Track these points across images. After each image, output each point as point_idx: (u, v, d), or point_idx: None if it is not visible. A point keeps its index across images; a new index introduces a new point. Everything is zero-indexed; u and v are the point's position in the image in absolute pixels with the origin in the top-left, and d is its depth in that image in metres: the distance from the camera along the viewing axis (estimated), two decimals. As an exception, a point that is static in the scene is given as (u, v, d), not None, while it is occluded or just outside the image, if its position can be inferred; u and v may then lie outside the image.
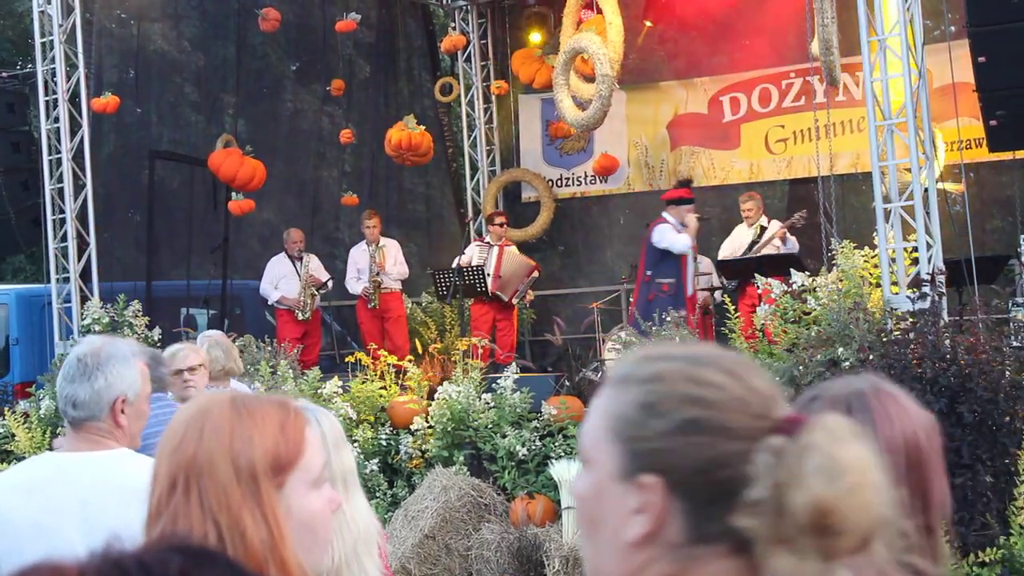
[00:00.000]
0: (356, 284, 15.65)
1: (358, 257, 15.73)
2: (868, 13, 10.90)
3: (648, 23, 17.29)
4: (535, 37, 18.35)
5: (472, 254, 15.64)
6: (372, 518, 3.67)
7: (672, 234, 13.26)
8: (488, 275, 15.24)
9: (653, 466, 1.69)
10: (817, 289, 10.51)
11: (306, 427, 2.38)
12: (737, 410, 1.71)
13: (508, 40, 18.85)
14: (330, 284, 15.73)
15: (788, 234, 14.17)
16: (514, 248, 16.19)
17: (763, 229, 14.41)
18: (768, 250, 13.98)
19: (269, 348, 13.41)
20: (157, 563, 1.54)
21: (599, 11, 14.30)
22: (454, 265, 15.41)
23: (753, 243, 14.27)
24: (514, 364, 12.38)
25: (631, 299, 14.28)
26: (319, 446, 2.41)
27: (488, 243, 15.76)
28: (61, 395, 4.01)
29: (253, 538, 2.20)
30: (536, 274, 16.07)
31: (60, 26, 14.22)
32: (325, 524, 2.38)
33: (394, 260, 15.67)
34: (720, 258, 14.68)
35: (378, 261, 15.43)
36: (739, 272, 13.88)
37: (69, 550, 1.68)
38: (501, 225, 15.98)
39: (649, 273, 13.38)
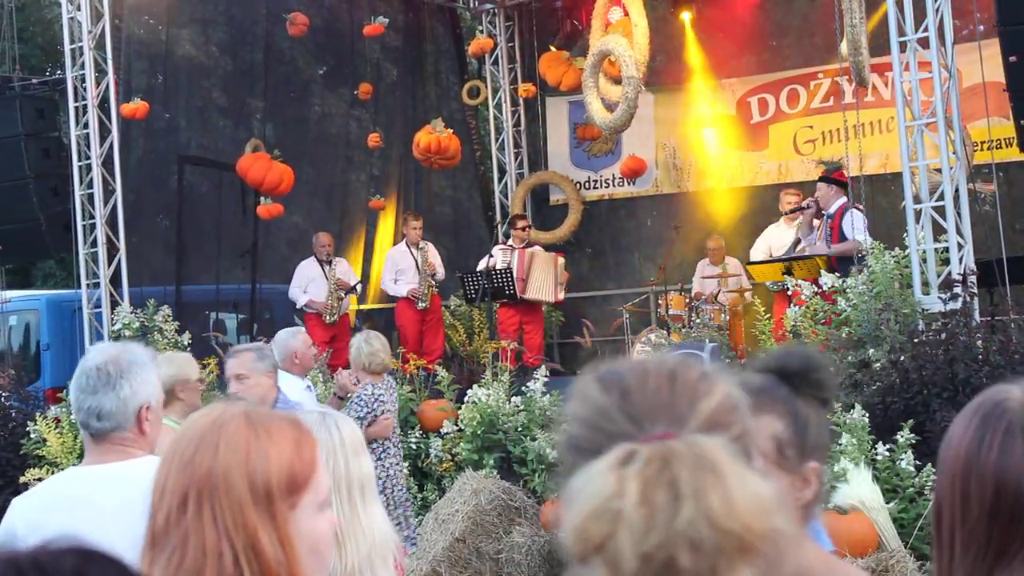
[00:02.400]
0: (395, 286, 15.64)
1: (398, 259, 15.73)
2: (897, 13, 10.86)
3: (687, 15, 17.20)
4: (555, 42, 18.35)
5: (497, 258, 15.63)
6: (389, 528, 3.62)
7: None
8: (514, 281, 15.24)
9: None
10: (848, 290, 10.47)
11: (316, 447, 2.34)
12: (591, 426, 1.67)
13: (535, 43, 18.85)
14: (358, 288, 15.74)
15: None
16: (538, 249, 16.14)
17: (834, 223, 14.06)
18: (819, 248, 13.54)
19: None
20: (52, 562, 1.53)
21: (626, 13, 14.29)
22: (479, 268, 15.42)
23: (797, 242, 13.84)
24: (543, 367, 12.36)
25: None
26: (325, 465, 2.37)
27: (511, 246, 15.74)
28: (81, 407, 3.90)
29: (269, 559, 2.16)
30: (562, 260, 16.08)
31: (89, 32, 14.26)
32: (329, 548, 2.34)
33: (437, 262, 15.73)
34: (753, 259, 14.51)
35: (430, 262, 15.46)
36: (768, 273, 13.77)
37: None
38: (524, 229, 15.96)
39: None
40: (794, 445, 2.40)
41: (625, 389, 1.68)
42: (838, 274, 11.18)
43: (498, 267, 15.31)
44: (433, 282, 15.48)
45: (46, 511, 3.80)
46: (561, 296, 15.96)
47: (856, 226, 12.35)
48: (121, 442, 3.90)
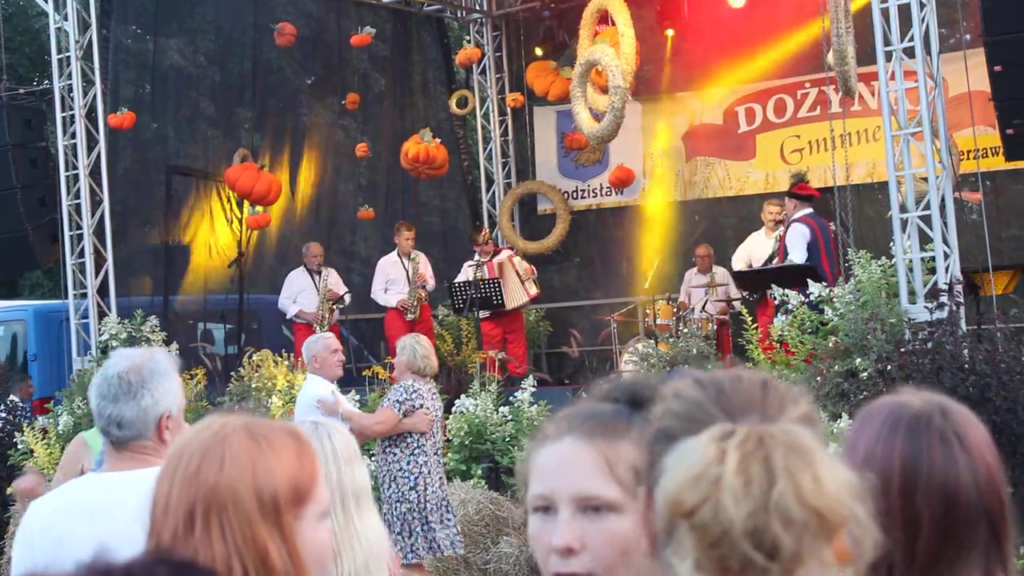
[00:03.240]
0: (385, 296, 15.61)
1: (389, 269, 15.70)
2: (883, 23, 10.89)
3: (671, 32, 17.29)
4: (544, 50, 18.38)
5: (466, 276, 15.60)
6: (383, 536, 3.63)
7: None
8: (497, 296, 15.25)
9: None
10: (834, 299, 10.49)
11: (316, 457, 2.34)
12: (685, 418, 1.76)
13: (523, 52, 18.87)
14: (347, 298, 15.72)
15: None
16: (502, 255, 16.09)
17: (780, 239, 14.25)
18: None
19: (287, 362, 13.41)
20: (144, 574, 1.54)
21: (613, 23, 14.31)
22: (457, 280, 15.45)
23: (773, 255, 14.05)
24: (531, 377, 12.37)
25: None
26: (323, 475, 2.36)
27: (478, 262, 15.64)
28: (102, 414, 3.88)
29: (279, 572, 2.16)
30: (517, 257, 16.07)
31: (76, 42, 14.26)
32: (329, 557, 2.35)
33: (427, 272, 15.69)
34: (735, 267, 14.59)
35: (420, 272, 15.43)
36: (755, 284, 13.82)
37: None
38: (485, 242, 15.90)
39: None
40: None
41: (720, 388, 1.75)
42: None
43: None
44: (423, 293, 15.44)
45: (63, 517, 3.80)
46: (534, 291, 15.90)
47: (793, 243, 12.82)
48: (141, 450, 3.89)
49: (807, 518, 1.56)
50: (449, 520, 9.37)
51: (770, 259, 13.91)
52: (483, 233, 16.31)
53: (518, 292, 15.58)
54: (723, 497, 1.56)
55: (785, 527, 1.55)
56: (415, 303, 15.36)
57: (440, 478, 9.44)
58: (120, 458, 3.92)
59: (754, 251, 14.53)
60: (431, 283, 15.75)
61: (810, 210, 13.21)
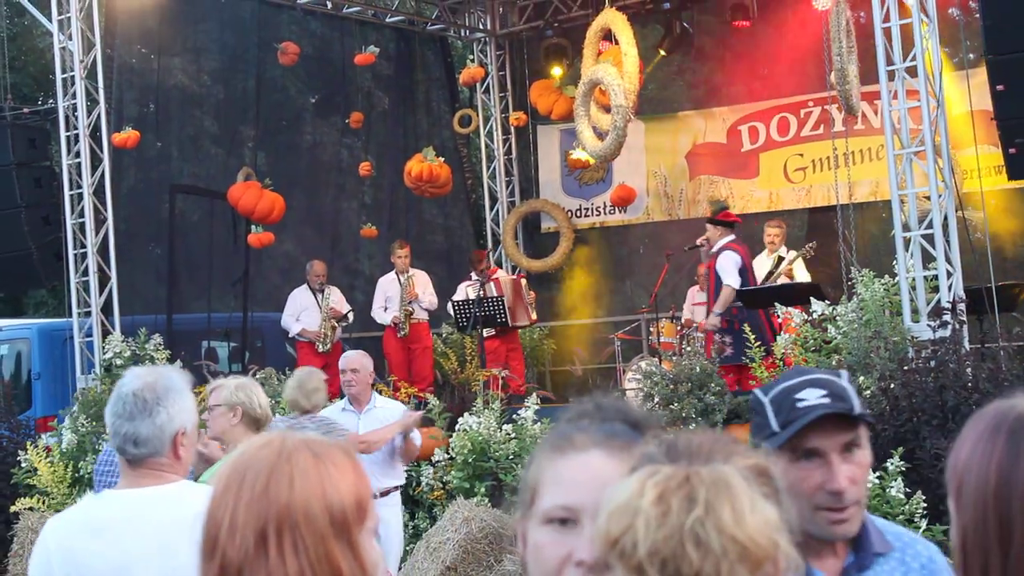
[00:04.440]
0: (384, 314, 15.64)
1: (387, 287, 15.74)
2: (886, 42, 10.92)
3: (663, 52, 17.32)
4: (555, 70, 18.41)
5: (465, 295, 15.62)
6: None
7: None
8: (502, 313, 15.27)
9: None
10: (837, 318, 10.49)
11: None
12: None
13: (526, 71, 18.90)
14: (350, 316, 15.73)
15: (794, 271, 14.07)
16: (500, 274, 16.15)
17: (780, 259, 14.32)
18: (782, 280, 13.93)
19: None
20: None
21: (616, 42, 14.34)
22: (455, 297, 15.47)
23: (771, 272, 14.18)
24: (535, 395, 12.37)
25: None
26: None
27: (478, 281, 15.66)
28: (118, 432, 3.90)
29: None
30: (524, 281, 16.14)
31: (81, 62, 14.30)
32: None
33: (423, 290, 15.68)
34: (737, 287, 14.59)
35: (409, 290, 15.43)
36: (759, 301, 13.83)
37: None
38: (480, 261, 15.95)
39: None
40: None
41: (673, 442, 1.86)
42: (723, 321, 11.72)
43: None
44: (411, 309, 15.43)
45: (80, 534, 3.82)
46: (534, 316, 15.97)
47: (725, 269, 13.25)
48: (157, 467, 3.91)
49: (726, 547, 1.65)
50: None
51: (767, 279, 14.02)
52: (481, 253, 16.40)
53: (520, 312, 15.60)
54: (639, 526, 1.67)
55: (703, 556, 1.65)
56: (404, 320, 15.37)
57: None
58: (137, 475, 3.94)
59: (756, 271, 14.52)
60: (428, 301, 15.74)
61: (733, 236, 13.68)
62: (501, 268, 17.41)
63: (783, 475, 2.39)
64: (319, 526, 2.16)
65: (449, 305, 15.75)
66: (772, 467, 1.89)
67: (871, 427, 2.86)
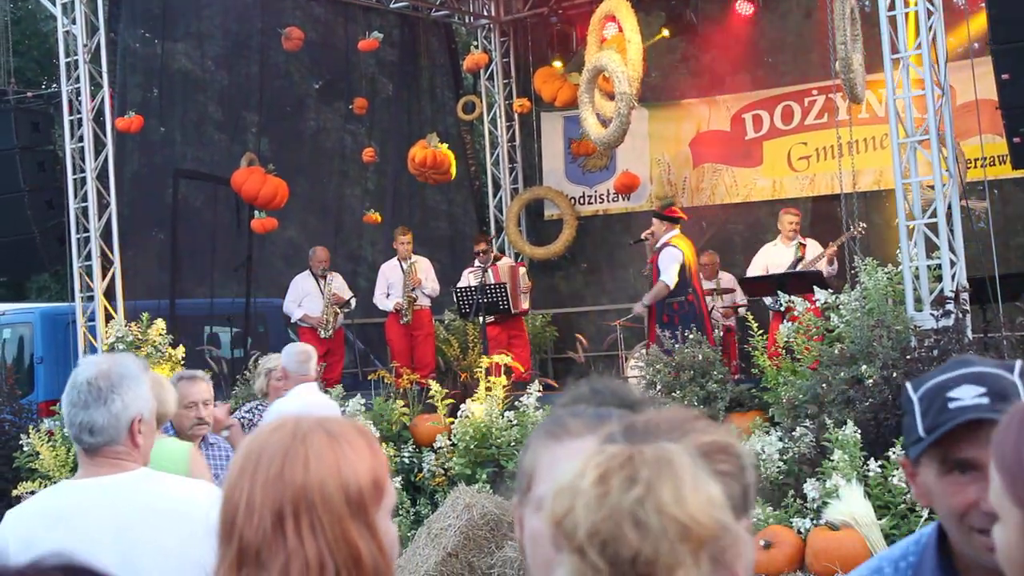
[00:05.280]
0: (386, 300, 15.65)
1: (389, 273, 15.75)
2: (891, 31, 10.90)
3: (666, 32, 17.27)
4: (556, 57, 18.39)
5: (467, 282, 15.62)
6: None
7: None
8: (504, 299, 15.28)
9: None
10: (840, 306, 10.48)
11: (382, 451, 2.35)
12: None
13: (530, 58, 18.88)
14: (353, 302, 15.73)
15: (836, 256, 13.95)
16: (502, 261, 16.15)
17: (802, 247, 14.19)
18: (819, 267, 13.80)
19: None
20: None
21: (620, 29, 14.33)
22: (459, 286, 15.45)
23: (797, 261, 13.99)
24: (536, 382, 12.38)
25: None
26: None
27: (480, 267, 15.68)
28: (73, 422, 3.87)
29: (369, 568, 2.19)
30: (523, 269, 16.14)
31: (84, 46, 14.29)
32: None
33: (425, 276, 15.69)
34: (749, 275, 14.52)
35: (412, 277, 15.43)
36: (762, 289, 13.82)
37: None
38: (486, 250, 15.94)
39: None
40: None
41: (632, 421, 1.89)
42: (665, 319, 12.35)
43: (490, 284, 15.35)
44: (415, 296, 15.44)
45: (39, 525, 3.79)
46: (525, 306, 15.97)
47: (665, 265, 13.40)
48: (114, 455, 3.88)
49: (666, 526, 1.64)
50: None
51: (793, 267, 13.93)
52: (484, 238, 16.40)
53: (514, 298, 15.61)
54: (579, 506, 1.67)
55: (643, 536, 1.64)
56: (407, 306, 15.37)
57: None
58: (94, 464, 3.90)
59: (772, 260, 14.37)
60: (431, 287, 15.74)
61: (677, 232, 13.76)
62: (505, 255, 17.36)
63: (935, 487, 2.34)
64: (335, 506, 2.17)
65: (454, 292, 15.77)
66: (734, 443, 1.88)
67: None
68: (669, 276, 13.37)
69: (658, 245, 13.67)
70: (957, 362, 2.46)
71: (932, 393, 2.40)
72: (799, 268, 13.84)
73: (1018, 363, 2.40)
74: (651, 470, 1.69)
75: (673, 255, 13.48)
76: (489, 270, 15.57)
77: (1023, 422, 1.87)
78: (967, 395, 2.34)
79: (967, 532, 2.37)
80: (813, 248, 14.13)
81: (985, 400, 2.32)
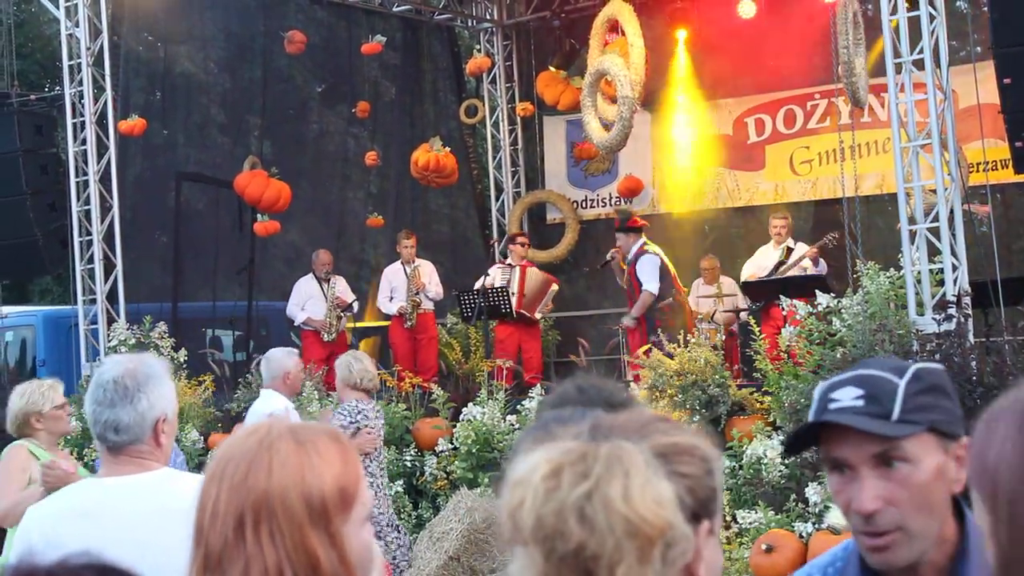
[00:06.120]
0: (389, 304, 15.65)
1: (392, 277, 15.74)
2: (893, 35, 10.90)
3: (683, 32, 17.27)
4: (556, 61, 18.39)
5: (495, 275, 15.66)
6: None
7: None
8: (512, 294, 15.28)
9: None
10: (842, 310, 10.48)
11: (359, 459, 2.32)
12: None
13: (533, 62, 18.88)
14: (355, 306, 15.73)
15: (819, 256, 14.12)
16: (535, 268, 16.21)
17: (789, 250, 14.35)
18: (795, 271, 13.95)
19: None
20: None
21: (623, 33, 14.33)
22: (477, 287, 15.42)
23: (780, 264, 14.21)
24: (539, 385, 12.38)
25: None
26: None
27: (510, 264, 15.78)
28: (98, 420, 3.87)
29: None
30: (555, 287, 16.13)
31: (88, 49, 14.30)
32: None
33: (429, 280, 15.68)
34: (744, 279, 14.63)
35: (416, 281, 15.44)
36: (763, 293, 13.85)
37: None
38: (523, 245, 16.01)
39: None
40: None
41: (598, 419, 1.90)
42: (658, 330, 12.19)
43: (496, 285, 15.35)
44: (418, 300, 15.44)
45: (62, 522, 3.78)
46: (538, 315, 15.99)
47: (646, 273, 13.53)
48: (138, 454, 3.88)
49: (612, 523, 1.67)
50: (398, 539, 9.25)
51: (775, 268, 14.07)
52: (524, 237, 16.60)
53: (533, 305, 15.63)
54: (527, 500, 1.71)
55: (588, 531, 1.67)
56: (411, 310, 15.38)
57: (386, 499, 9.31)
58: (117, 463, 3.91)
59: (761, 263, 14.58)
60: (435, 291, 15.73)
61: (643, 240, 13.97)
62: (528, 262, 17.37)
63: (831, 488, 2.38)
64: (295, 515, 2.15)
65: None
66: (699, 445, 1.88)
67: (945, 434, 2.37)
68: (652, 284, 13.52)
69: (631, 257, 13.80)
70: (861, 363, 2.47)
71: (822, 393, 2.41)
72: (781, 269, 14.02)
73: (912, 368, 2.38)
74: (602, 467, 1.71)
75: (652, 261, 13.66)
76: (517, 269, 15.62)
77: (997, 430, 1.82)
78: (846, 397, 2.35)
79: (855, 532, 2.41)
80: (800, 251, 14.28)
81: (860, 403, 2.33)
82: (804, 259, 14.03)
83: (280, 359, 9.37)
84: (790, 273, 13.97)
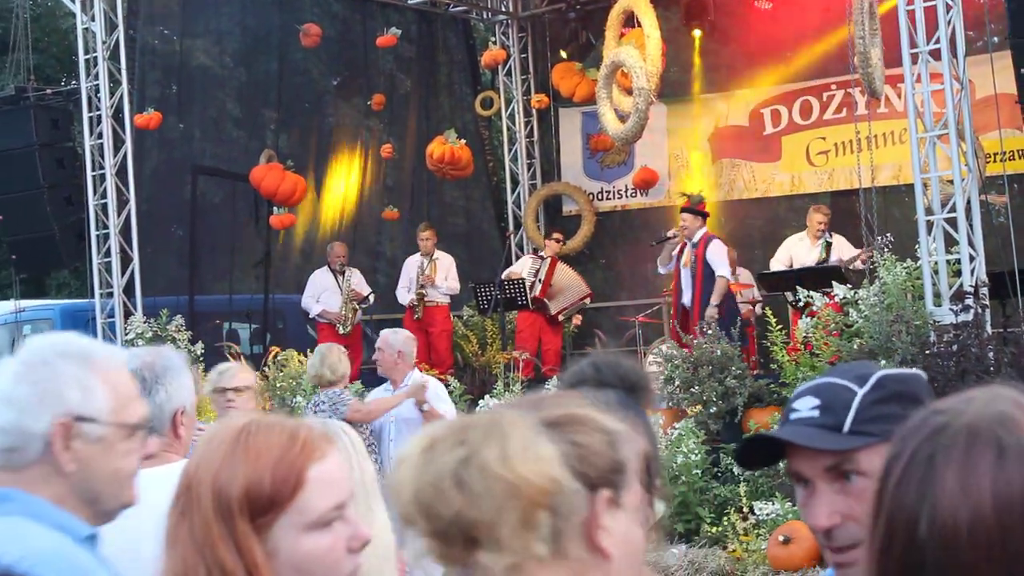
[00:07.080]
0: (406, 294, 15.66)
1: (410, 268, 15.76)
2: (909, 25, 10.86)
3: (698, 32, 17.26)
4: (569, 51, 18.38)
5: (524, 266, 15.71)
6: (391, 532, 3.58)
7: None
8: (539, 282, 15.32)
9: None
10: (859, 302, 10.46)
11: (314, 464, 2.19)
12: None
13: (548, 54, 18.86)
14: (371, 298, 15.73)
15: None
16: (568, 267, 16.21)
17: (829, 245, 13.97)
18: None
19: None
20: None
21: (639, 24, 14.30)
22: (503, 276, 15.47)
23: (822, 262, 13.76)
24: (555, 378, 12.36)
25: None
26: (334, 482, 2.22)
27: (541, 256, 15.83)
28: None
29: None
30: (588, 301, 16.13)
31: (104, 43, 14.33)
32: (329, 566, 2.19)
33: (445, 275, 15.64)
34: (773, 267, 14.35)
35: (427, 274, 15.43)
36: (779, 285, 13.77)
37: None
38: (557, 241, 16.09)
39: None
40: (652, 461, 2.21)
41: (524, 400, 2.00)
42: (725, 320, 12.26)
43: (524, 275, 15.41)
44: (424, 292, 15.42)
45: None
46: (561, 317, 15.98)
47: (718, 258, 13.29)
48: (156, 447, 3.87)
49: (491, 486, 1.67)
50: None
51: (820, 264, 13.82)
52: (560, 233, 16.69)
53: (556, 304, 15.65)
54: (406, 472, 1.73)
55: (466, 497, 1.68)
56: (418, 302, 15.38)
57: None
58: None
59: (798, 256, 14.18)
60: (447, 285, 15.68)
61: (707, 228, 13.84)
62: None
63: (798, 502, 2.26)
64: (204, 509, 2.12)
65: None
66: (599, 418, 1.87)
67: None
68: (725, 270, 13.28)
69: (696, 239, 13.55)
70: (829, 370, 2.36)
71: (790, 401, 2.28)
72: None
73: (876, 375, 2.20)
74: (479, 433, 1.72)
75: (721, 247, 13.48)
76: (547, 261, 15.65)
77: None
78: (804, 407, 2.22)
79: (820, 547, 2.25)
80: (839, 244, 13.92)
81: (815, 413, 2.19)
82: (855, 260, 13.46)
83: (405, 339, 10.05)
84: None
